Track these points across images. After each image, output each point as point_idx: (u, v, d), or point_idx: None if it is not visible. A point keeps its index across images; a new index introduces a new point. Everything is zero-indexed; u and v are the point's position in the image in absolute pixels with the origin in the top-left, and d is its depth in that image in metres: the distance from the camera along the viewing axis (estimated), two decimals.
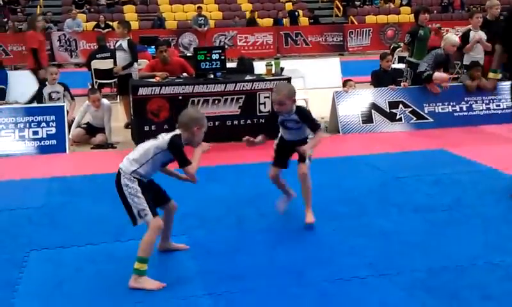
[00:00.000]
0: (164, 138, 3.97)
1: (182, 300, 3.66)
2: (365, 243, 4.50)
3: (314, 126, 4.77)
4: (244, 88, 7.94)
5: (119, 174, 3.92)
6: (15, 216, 5.19)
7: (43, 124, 7.82)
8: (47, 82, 8.59)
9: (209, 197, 5.66)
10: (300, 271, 4.04)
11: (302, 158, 4.76)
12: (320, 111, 9.23)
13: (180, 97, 7.79)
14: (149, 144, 3.98)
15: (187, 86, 7.83)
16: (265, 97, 7.99)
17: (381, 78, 9.13)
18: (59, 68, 15.75)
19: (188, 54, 13.22)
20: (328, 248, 4.43)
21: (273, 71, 8.34)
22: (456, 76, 11.22)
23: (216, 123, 7.90)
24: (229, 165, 6.79)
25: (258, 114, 8.02)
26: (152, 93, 7.75)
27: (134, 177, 3.87)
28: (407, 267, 4.07)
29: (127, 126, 9.01)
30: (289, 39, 20.30)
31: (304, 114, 4.81)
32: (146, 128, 7.76)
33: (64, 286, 3.87)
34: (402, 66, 10.63)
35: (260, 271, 4.04)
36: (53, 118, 7.86)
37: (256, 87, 7.98)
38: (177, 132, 4.02)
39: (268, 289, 3.77)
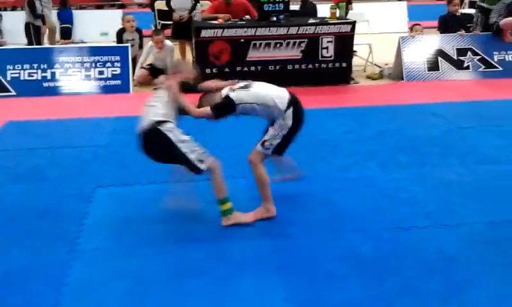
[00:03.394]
0: None
1: (239, 240, 3.74)
2: (425, 193, 4.45)
3: None
4: (306, 32, 7.82)
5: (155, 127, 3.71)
6: (82, 153, 5.39)
7: (108, 64, 8.00)
8: (125, 28, 8.78)
9: None
10: (358, 218, 4.05)
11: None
12: (384, 57, 9.06)
13: (242, 40, 7.76)
14: None
15: (250, 29, 7.77)
16: (328, 41, 7.85)
17: (449, 23, 8.80)
18: (122, 8, 16.02)
19: None
20: (387, 196, 4.40)
21: (337, 15, 8.16)
22: None
23: (277, 67, 7.86)
24: None
25: (320, 58, 7.91)
26: (214, 35, 7.75)
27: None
28: (467, 218, 4.01)
29: None
30: None
31: None
32: (208, 71, 7.79)
33: (129, 222, 4.02)
34: (473, 11, 10.19)
35: (319, 215, 4.08)
36: (118, 58, 8.03)
37: (319, 31, 7.84)
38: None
39: (325, 233, 3.81)
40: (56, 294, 3.17)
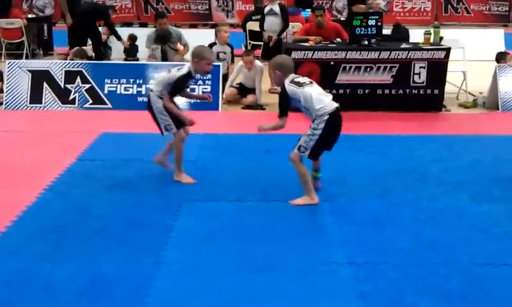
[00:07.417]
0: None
1: (321, 265, 3.70)
2: None
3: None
4: (398, 57, 7.70)
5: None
6: None
7: (200, 82, 8.18)
8: (216, 41, 8.96)
9: (354, 165, 5.62)
10: (446, 250, 3.90)
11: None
12: (478, 85, 8.74)
13: (332, 62, 7.74)
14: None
15: (340, 52, 7.75)
16: (420, 67, 7.68)
17: None
18: (215, 27, 16.40)
19: (341, 19, 13.02)
20: (477, 230, 4.21)
21: (431, 40, 7.97)
22: None
23: (366, 91, 7.76)
24: (376, 135, 6.67)
25: (412, 84, 7.75)
26: (304, 57, 7.77)
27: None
28: None
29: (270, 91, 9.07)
30: (449, 6, 19.23)
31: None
32: None
33: (213, 237, 4.07)
34: None
35: (405, 246, 3.96)
36: (209, 76, 8.17)
37: (411, 57, 7.70)
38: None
39: (412, 265, 3.69)
40: (140, 304, 3.24)
